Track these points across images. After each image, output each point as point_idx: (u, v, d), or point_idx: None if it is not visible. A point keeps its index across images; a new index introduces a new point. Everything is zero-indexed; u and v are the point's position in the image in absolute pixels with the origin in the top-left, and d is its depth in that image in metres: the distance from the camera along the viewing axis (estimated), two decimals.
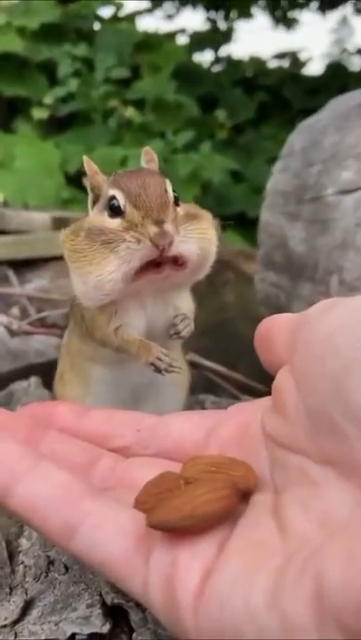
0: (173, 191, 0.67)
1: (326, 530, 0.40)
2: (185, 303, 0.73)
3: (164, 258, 0.63)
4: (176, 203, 0.67)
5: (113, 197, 0.66)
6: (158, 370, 0.66)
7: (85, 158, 0.71)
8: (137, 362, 0.69)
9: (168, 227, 0.62)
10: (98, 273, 0.64)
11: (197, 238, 0.66)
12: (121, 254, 0.63)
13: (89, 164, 0.70)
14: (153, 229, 0.62)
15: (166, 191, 0.65)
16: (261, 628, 0.37)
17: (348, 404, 0.41)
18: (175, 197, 0.67)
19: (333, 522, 0.40)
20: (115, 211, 0.65)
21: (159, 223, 0.62)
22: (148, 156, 0.74)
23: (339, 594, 0.34)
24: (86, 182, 0.72)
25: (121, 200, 0.65)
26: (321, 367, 0.44)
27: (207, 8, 7.00)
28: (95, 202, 0.70)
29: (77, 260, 0.66)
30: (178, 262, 0.65)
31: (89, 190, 0.72)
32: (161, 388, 0.78)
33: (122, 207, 0.65)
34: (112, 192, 0.66)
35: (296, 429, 0.46)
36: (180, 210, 0.67)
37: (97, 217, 0.68)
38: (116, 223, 0.65)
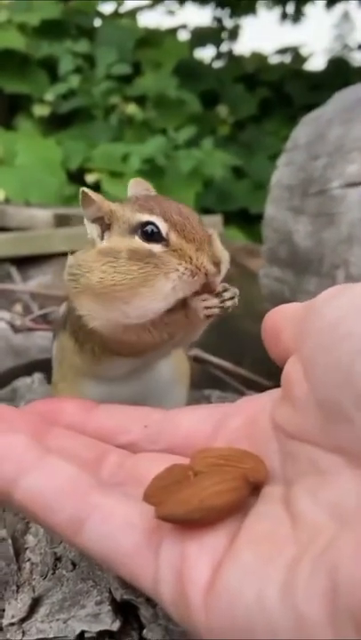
0: None
1: (337, 519, 0.39)
2: None
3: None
4: None
5: (149, 223, 0.61)
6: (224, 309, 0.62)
7: (82, 190, 0.64)
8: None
9: (224, 267, 0.61)
10: (151, 294, 0.60)
11: (225, 267, 0.63)
12: (175, 283, 0.60)
13: (90, 195, 0.64)
14: (211, 268, 0.60)
15: (200, 221, 0.63)
16: (273, 624, 0.36)
17: (357, 390, 0.40)
18: None
19: (343, 511, 0.39)
20: (152, 237, 0.61)
21: (217, 264, 0.60)
22: (143, 186, 0.71)
23: (354, 591, 0.33)
24: (89, 212, 0.65)
25: (162, 227, 0.61)
26: (330, 354, 0.43)
27: (214, 3, 6.92)
28: (104, 231, 0.65)
29: (119, 282, 0.61)
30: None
31: (89, 222, 0.65)
32: (161, 400, 0.74)
33: (164, 235, 0.61)
34: (147, 218, 0.62)
35: (306, 419, 0.45)
36: None
37: (124, 242, 0.63)
38: (157, 249, 0.61)
